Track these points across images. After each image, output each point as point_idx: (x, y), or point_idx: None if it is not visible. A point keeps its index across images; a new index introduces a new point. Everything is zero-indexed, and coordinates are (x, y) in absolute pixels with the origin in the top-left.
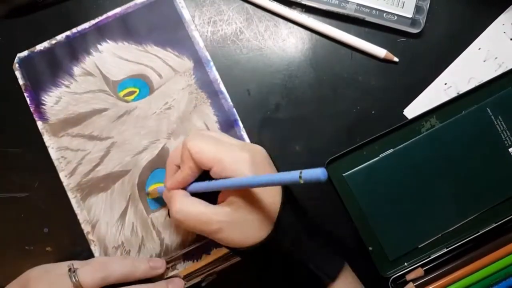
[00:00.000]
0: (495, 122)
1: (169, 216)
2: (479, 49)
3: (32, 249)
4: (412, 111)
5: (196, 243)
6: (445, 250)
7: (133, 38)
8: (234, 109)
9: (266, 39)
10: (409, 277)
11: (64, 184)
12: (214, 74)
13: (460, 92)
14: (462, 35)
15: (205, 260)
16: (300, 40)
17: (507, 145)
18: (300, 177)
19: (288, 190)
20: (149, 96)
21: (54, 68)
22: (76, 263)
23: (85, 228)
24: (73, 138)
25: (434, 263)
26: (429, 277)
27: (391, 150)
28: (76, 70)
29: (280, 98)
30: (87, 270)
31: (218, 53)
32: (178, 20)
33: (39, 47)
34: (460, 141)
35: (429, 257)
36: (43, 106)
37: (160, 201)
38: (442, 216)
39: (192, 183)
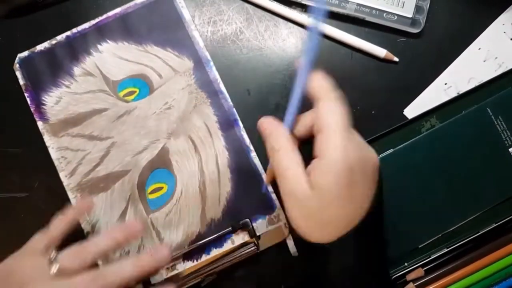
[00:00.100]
0: (495, 122)
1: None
2: (479, 49)
3: None
4: (412, 111)
5: (195, 243)
6: (446, 250)
7: (133, 38)
8: (234, 109)
9: (266, 39)
10: (409, 277)
11: (64, 184)
12: (214, 74)
13: (460, 92)
14: (462, 35)
15: (205, 260)
16: (300, 40)
17: (507, 145)
18: None
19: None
20: (149, 96)
21: (55, 68)
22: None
23: (85, 228)
24: (73, 138)
25: (435, 263)
26: (430, 277)
27: (391, 150)
28: (76, 70)
29: (280, 98)
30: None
31: (218, 53)
32: (178, 20)
33: (40, 47)
34: (460, 141)
35: (430, 257)
36: (44, 106)
37: (160, 202)
38: (442, 216)
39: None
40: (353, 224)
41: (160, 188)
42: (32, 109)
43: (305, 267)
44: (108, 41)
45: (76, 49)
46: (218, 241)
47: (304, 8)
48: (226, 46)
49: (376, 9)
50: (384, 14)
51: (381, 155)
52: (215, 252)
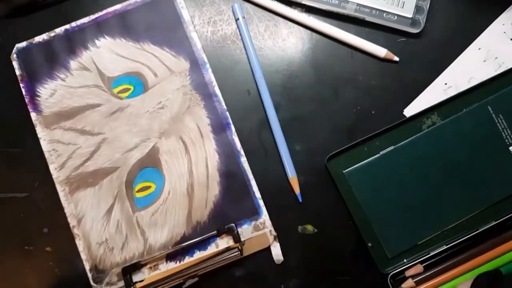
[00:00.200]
0: (496, 120)
1: None
2: (479, 49)
3: (32, 249)
4: (412, 111)
5: (179, 244)
6: (445, 247)
7: (131, 36)
8: (227, 113)
9: (266, 39)
10: (408, 273)
11: (54, 176)
12: (210, 76)
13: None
14: (462, 35)
15: (188, 262)
16: (300, 40)
17: (507, 143)
18: None
19: None
20: (143, 94)
21: (51, 60)
22: None
23: (71, 222)
24: (65, 131)
25: (434, 260)
26: (429, 273)
27: (391, 147)
28: (73, 64)
29: (280, 98)
30: None
31: (218, 53)
32: (177, 20)
33: (38, 38)
34: (461, 139)
35: (429, 253)
36: (38, 98)
37: (147, 200)
38: (442, 213)
39: None
40: None
41: (148, 187)
42: (26, 100)
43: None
44: (106, 36)
45: (74, 43)
46: (203, 244)
47: (304, 8)
48: (226, 46)
49: (376, 9)
50: (384, 14)
51: (382, 152)
52: (199, 255)
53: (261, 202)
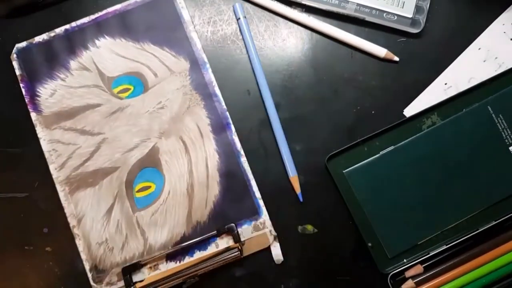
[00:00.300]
0: (496, 120)
1: None
2: (479, 49)
3: (32, 249)
4: (412, 111)
5: (179, 245)
6: (445, 247)
7: (131, 36)
8: (227, 113)
9: (266, 39)
10: (408, 273)
11: (54, 176)
12: (210, 76)
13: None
14: (462, 35)
15: (188, 262)
16: (300, 40)
17: (507, 143)
18: None
19: None
20: (143, 94)
21: (51, 60)
22: None
23: (71, 222)
24: (65, 131)
25: (434, 260)
26: (429, 274)
27: (391, 147)
28: (73, 64)
29: (280, 98)
30: None
31: (218, 53)
32: (177, 20)
33: (38, 38)
34: (461, 139)
35: (429, 254)
36: (38, 98)
37: (147, 200)
38: (442, 213)
39: None
40: None
41: (148, 187)
42: (26, 100)
43: (299, 269)
44: (106, 36)
45: (74, 43)
46: (202, 244)
47: (304, 8)
48: (226, 46)
49: (376, 9)
50: (384, 14)
51: (382, 152)
52: (199, 255)
53: (261, 202)
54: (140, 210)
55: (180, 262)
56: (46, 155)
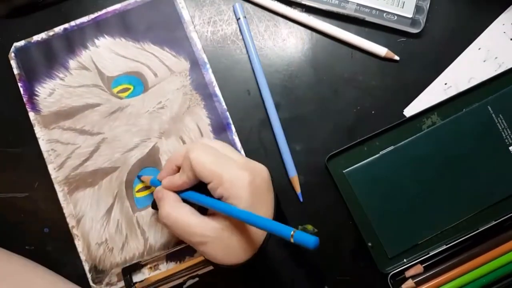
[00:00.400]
0: (496, 120)
1: (152, 208)
2: (479, 49)
3: (32, 249)
4: (412, 111)
5: (180, 244)
6: (445, 247)
7: (131, 35)
8: (228, 113)
9: (266, 39)
10: (408, 273)
11: (52, 176)
12: (210, 76)
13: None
14: (462, 35)
15: (188, 262)
16: (300, 40)
17: (507, 143)
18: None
19: None
20: (143, 94)
21: (50, 60)
22: None
23: (70, 222)
24: (64, 131)
25: (434, 260)
26: (428, 273)
27: (391, 147)
28: (72, 63)
29: (280, 98)
30: None
31: (218, 53)
32: (177, 20)
33: (36, 37)
34: (461, 138)
35: (428, 253)
36: (36, 97)
37: (147, 200)
38: (442, 213)
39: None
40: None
41: (148, 187)
42: (24, 99)
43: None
44: (106, 36)
45: (73, 42)
46: None
47: (304, 8)
48: (226, 46)
49: (376, 9)
50: (384, 14)
51: (381, 152)
52: (199, 255)
53: None
54: (140, 210)
55: (180, 262)
56: (45, 155)
